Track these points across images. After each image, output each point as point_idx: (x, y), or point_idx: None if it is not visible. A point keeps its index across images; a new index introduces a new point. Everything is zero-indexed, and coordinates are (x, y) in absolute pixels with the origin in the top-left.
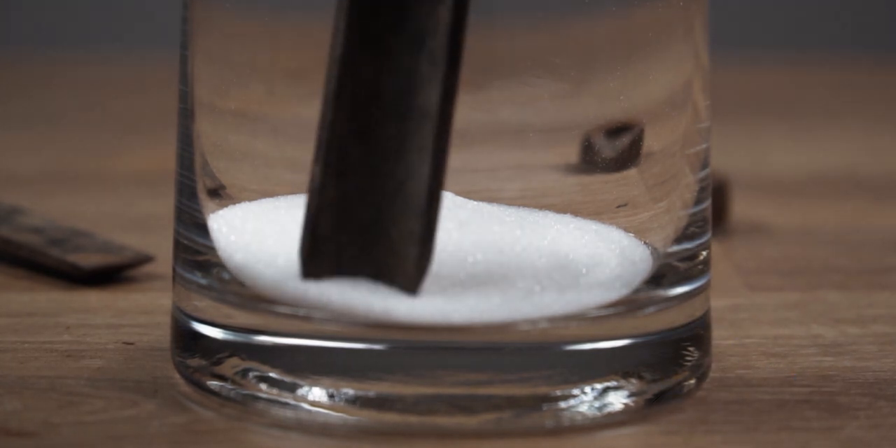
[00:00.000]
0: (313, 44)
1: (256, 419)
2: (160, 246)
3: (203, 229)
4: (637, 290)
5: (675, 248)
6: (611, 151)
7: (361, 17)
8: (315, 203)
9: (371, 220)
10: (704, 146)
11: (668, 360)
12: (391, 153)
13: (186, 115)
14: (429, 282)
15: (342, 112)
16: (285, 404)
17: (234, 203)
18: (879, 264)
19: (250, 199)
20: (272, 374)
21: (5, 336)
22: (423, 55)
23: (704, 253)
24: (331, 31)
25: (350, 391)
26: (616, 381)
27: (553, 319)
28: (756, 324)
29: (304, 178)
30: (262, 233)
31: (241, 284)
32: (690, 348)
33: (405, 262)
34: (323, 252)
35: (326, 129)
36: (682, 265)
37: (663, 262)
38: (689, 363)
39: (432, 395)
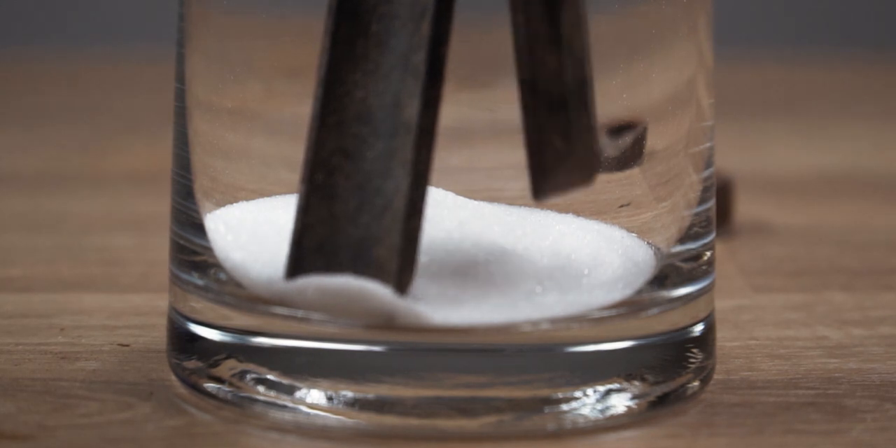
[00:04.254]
0: (311, 41)
1: (254, 422)
2: (156, 246)
3: (200, 229)
4: (640, 291)
5: (679, 248)
6: (613, 150)
7: (347, 37)
8: (301, 221)
9: (359, 239)
10: (708, 145)
11: (671, 362)
12: (379, 171)
13: (183, 114)
14: (429, 282)
15: (328, 132)
16: (283, 407)
17: (230, 202)
18: (885, 265)
19: (247, 198)
20: (270, 377)
21: None
22: (409, 72)
23: (708, 253)
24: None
25: (349, 393)
26: (619, 383)
27: (555, 321)
28: (760, 325)
29: None
30: (259, 232)
31: (239, 285)
32: (694, 350)
33: (387, 277)
34: (307, 270)
35: (313, 149)
36: (685, 266)
37: (667, 263)
38: (692, 365)
39: (432, 398)
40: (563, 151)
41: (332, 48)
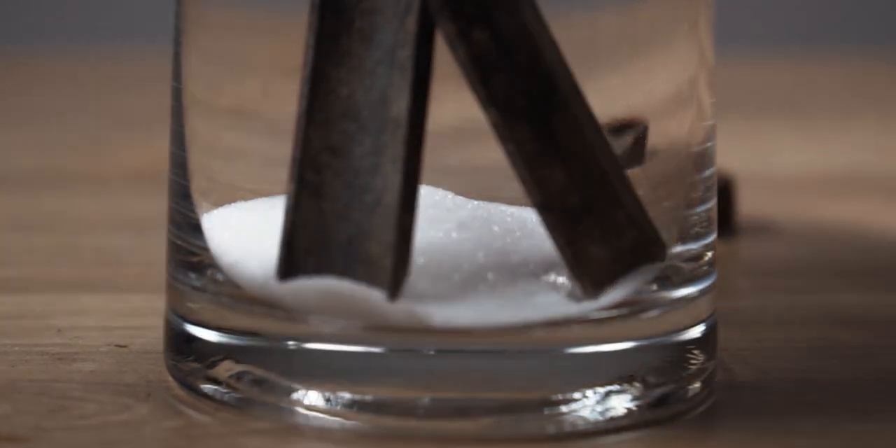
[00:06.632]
0: None
1: (251, 424)
2: (154, 247)
3: (197, 229)
4: (641, 292)
5: (680, 248)
6: (614, 150)
7: (331, 33)
8: (290, 221)
9: (350, 237)
10: (710, 144)
11: (672, 363)
12: (367, 167)
13: (179, 113)
14: (428, 283)
15: (315, 129)
16: (281, 408)
17: (228, 202)
18: (890, 264)
19: (245, 198)
20: (267, 378)
21: None
22: (396, 67)
23: (710, 253)
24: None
25: (347, 395)
26: (619, 385)
27: (555, 321)
28: (763, 326)
29: None
30: (256, 232)
31: (236, 286)
32: (696, 351)
33: (381, 274)
34: (298, 270)
35: (300, 147)
36: (687, 266)
37: (668, 263)
38: (694, 367)
39: (431, 399)
40: (604, 258)
41: (316, 45)
